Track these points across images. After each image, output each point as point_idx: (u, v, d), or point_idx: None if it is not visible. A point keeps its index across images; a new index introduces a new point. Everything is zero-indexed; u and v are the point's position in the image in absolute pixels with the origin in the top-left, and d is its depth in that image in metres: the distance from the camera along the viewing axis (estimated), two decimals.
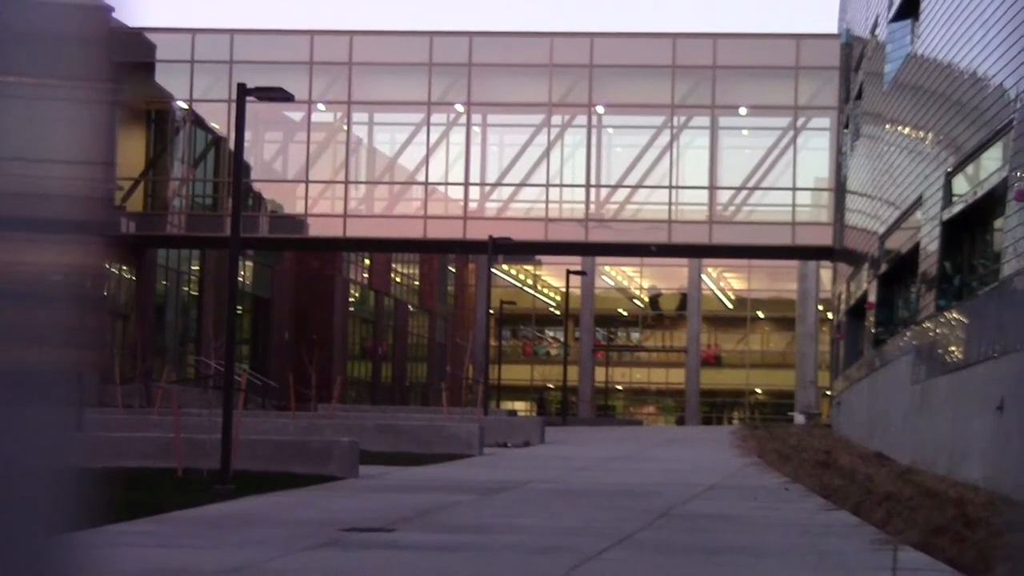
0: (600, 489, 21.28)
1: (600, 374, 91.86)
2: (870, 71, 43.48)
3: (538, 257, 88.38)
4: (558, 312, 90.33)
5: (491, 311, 75.11)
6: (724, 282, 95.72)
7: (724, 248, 55.48)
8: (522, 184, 53.34)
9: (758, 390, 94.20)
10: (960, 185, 28.36)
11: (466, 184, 53.35)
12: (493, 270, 68.14)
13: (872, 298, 40.39)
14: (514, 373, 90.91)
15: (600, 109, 53.28)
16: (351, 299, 74.95)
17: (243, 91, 23.02)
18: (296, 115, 54.38)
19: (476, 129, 53.80)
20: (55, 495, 1.73)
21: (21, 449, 1.72)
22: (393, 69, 53.27)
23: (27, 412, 1.74)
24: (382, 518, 15.43)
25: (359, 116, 54.67)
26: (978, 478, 20.20)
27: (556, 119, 53.45)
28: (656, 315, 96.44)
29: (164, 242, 55.66)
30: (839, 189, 51.19)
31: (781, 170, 52.77)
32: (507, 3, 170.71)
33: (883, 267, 38.36)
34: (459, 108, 53.48)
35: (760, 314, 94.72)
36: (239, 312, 53.13)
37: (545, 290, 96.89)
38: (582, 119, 53.38)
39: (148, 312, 55.59)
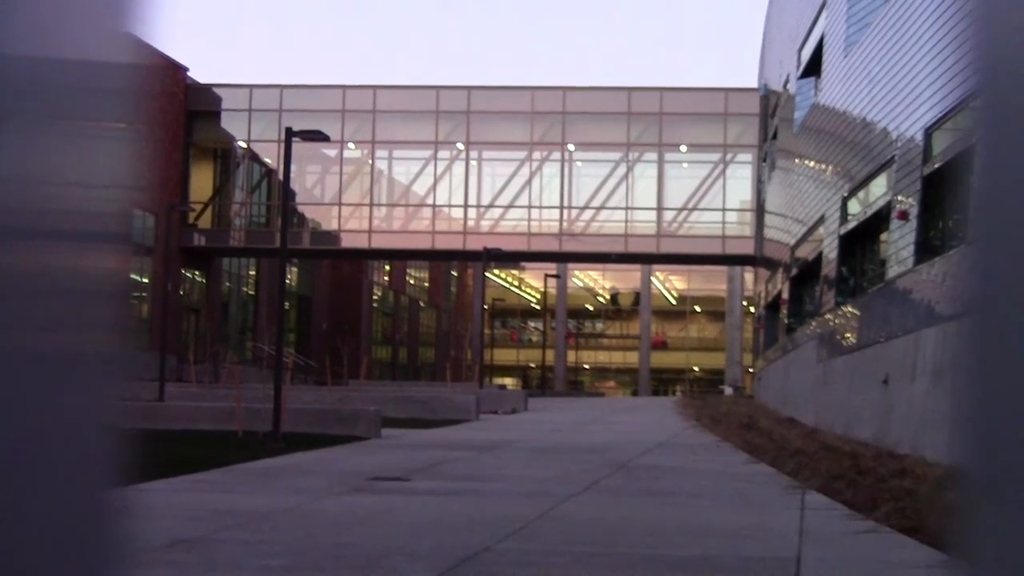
0: (572, 446, 21.25)
1: (571, 356, 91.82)
2: (783, 117, 43.53)
3: (522, 263, 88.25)
4: (538, 307, 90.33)
5: (485, 306, 75.17)
6: (669, 283, 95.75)
7: (669, 256, 55.49)
8: (509, 206, 53.29)
9: (696, 368, 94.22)
10: (854, 207, 28.41)
11: (465, 206, 53.30)
12: (487, 274, 68.14)
13: (785, 296, 40.43)
14: (503, 355, 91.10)
15: (571, 147, 53.25)
16: (375, 297, 74.83)
17: (290, 133, 23.00)
18: (331, 152, 54.29)
19: (473, 163, 53.75)
20: (105, 455, 1.70)
21: (90, 416, 1.69)
22: (408, 115, 53.20)
23: (96, 386, 1.71)
24: (400, 469, 15.41)
25: (381, 153, 54.59)
26: (868, 437, 20.23)
27: (536, 155, 53.41)
28: (616, 309, 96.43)
29: (228, 252, 55.55)
30: (759, 210, 51.22)
31: (713, 195, 52.80)
32: (497, 62, 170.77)
33: (793, 271, 38.39)
34: (460, 146, 53.43)
35: (697, 308, 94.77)
36: (287, 307, 53.15)
37: (528, 290, 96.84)
38: (557, 155, 53.35)
39: (215, 307, 55.48)
